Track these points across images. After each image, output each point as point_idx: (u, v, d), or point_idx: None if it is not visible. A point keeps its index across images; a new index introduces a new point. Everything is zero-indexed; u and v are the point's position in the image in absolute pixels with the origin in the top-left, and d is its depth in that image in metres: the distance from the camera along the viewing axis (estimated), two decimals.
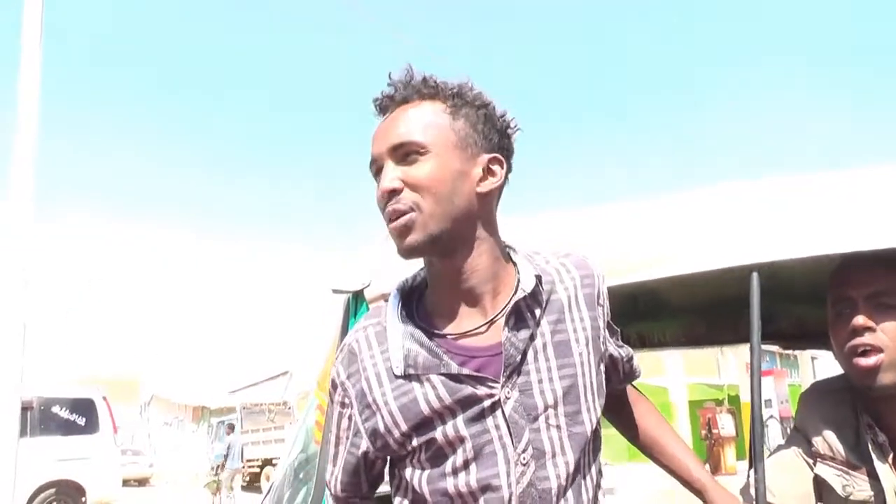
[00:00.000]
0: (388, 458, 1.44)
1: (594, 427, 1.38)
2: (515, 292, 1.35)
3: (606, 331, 1.48)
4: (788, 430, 1.90)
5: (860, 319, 1.63)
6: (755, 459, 1.67)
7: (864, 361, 1.63)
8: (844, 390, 1.75)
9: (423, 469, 1.34)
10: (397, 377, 1.33)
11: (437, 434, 1.30)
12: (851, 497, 1.69)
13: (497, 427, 1.30)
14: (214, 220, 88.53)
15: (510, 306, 1.33)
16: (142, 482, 29.41)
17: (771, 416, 16.57)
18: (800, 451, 1.81)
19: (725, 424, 18.30)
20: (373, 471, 1.48)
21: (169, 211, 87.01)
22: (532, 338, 1.34)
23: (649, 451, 1.71)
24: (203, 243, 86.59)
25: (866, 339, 1.63)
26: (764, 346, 1.75)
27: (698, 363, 22.72)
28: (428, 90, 1.36)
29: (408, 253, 1.33)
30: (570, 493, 1.33)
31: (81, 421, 13.07)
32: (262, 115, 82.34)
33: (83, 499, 12.81)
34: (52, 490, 12.51)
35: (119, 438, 13.97)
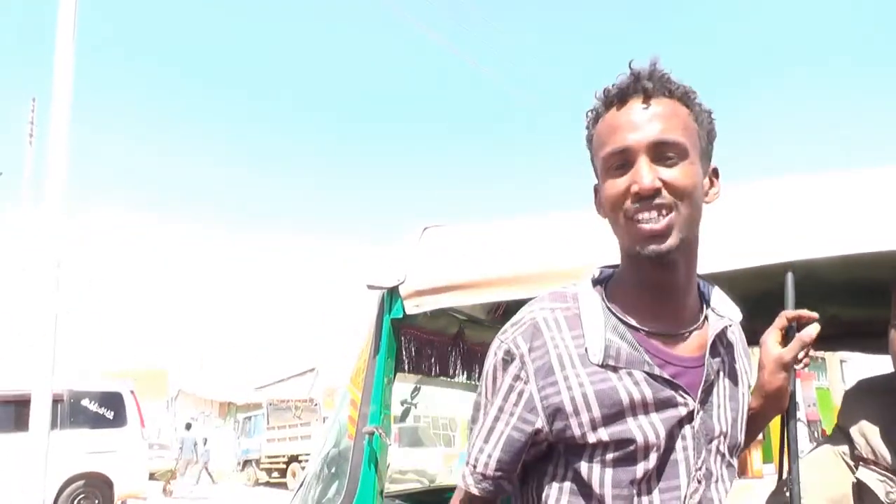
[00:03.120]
0: (551, 444, 1.35)
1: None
2: (707, 317, 1.38)
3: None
4: (816, 434, 1.87)
5: None
6: (791, 459, 1.66)
7: None
8: (893, 392, 1.72)
9: (605, 464, 1.29)
10: (592, 364, 1.28)
11: (632, 428, 1.26)
12: None
13: (683, 437, 1.30)
14: (244, 215, 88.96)
15: (718, 329, 1.35)
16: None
17: (798, 419, 16.39)
18: (840, 452, 1.78)
19: None
20: (528, 454, 1.36)
21: (198, 207, 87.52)
22: (719, 366, 1.37)
23: None
24: (232, 239, 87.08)
25: None
26: None
27: None
28: (675, 90, 1.29)
29: (664, 255, 1.26)
30: None
31: (110, 414, 13.19)
32: (292, 111, 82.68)
33: (111, 491, 12.93)
34: (81, 482, 12.63)
35: (146, 432, 14.08)
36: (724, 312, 1.38)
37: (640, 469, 1.27)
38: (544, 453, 1.36)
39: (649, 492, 1.28)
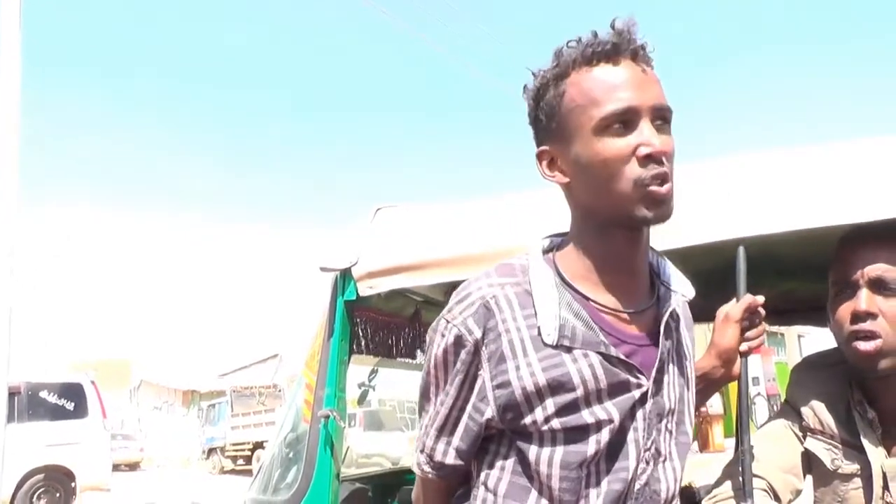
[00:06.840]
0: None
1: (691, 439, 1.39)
2: (668, 293, 1.33)
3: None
4: (775, 408, 1.91)
5: (862, 305, 1.60)
6: (741, 431, 1.68)
7: (864, 346, 1.60)
8: (837, 365, 1.74)
9: (555, 444, 1.24)
10: (546, 346, 1.22)
11: (585, 415, 1.22)
12: (839, 471, 1.70)
13: (635, 419, 1.26)
14: (203, 203, 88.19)
15: (673, 306, 1.31)
16: (132, 467, 29.43)
17: (758, 394, 16.65)
18: (790, 425, 1.81)
19: (713, 402, 18.36)
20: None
21: (159, 196, 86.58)
22: (670, 342, 1.33)
23: None
24: (192, 227, 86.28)
25: (867, 325, 1.60)
26: None
27: None
28: (652, 58, 1.25)
29: (666, 220, 1.23)
30: (675, 502, 1.35)
31: (70, 406, 13.01)
32: (249, 101, 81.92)
33: (73, 484, 12.78)
34: (41, 475, 12.46)
35: (109, 423, 13.92)
36: (677, 288, 1.35)
37: (590, 450, 1.23)
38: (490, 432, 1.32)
39: (598, 473, 1.25)
